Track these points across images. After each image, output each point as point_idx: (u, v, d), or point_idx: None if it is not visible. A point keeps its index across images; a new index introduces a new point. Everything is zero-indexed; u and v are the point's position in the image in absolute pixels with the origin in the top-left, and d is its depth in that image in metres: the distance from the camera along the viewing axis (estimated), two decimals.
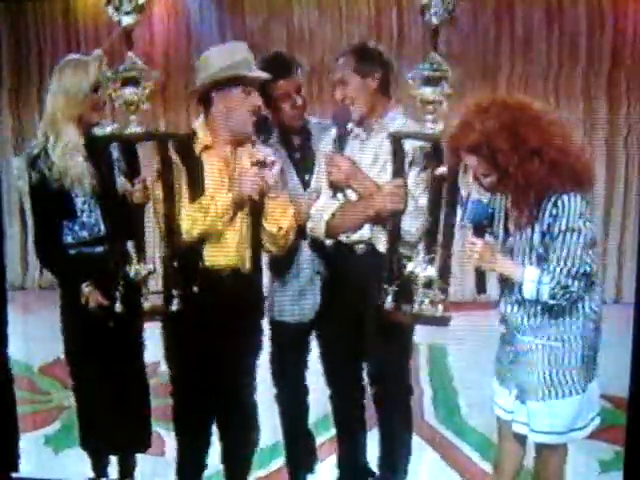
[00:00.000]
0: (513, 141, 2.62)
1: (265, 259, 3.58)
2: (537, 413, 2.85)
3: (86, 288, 3.22)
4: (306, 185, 3.43)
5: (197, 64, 3.20)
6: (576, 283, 2.66)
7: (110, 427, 3.41)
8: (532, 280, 2.69)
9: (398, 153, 3.04)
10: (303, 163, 3.47)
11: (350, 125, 3.22)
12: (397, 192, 3.08)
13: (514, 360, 2.91)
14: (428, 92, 2.86)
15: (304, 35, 6.82)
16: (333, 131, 3.30)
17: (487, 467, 3.82)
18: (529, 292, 2.71)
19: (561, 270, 2.65)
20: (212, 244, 3.20)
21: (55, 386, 4.91)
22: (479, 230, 2.80)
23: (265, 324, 3.53)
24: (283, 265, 3.50)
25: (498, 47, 6.63)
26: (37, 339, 5.04)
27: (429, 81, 2.86)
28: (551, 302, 2.70)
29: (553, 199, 2.65)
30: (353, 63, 3.19)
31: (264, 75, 3.24)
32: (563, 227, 2.64)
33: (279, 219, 3.22)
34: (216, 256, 3.20)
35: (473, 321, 5.26)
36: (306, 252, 3.46)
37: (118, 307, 3.10)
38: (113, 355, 3.32)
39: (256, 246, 3.28)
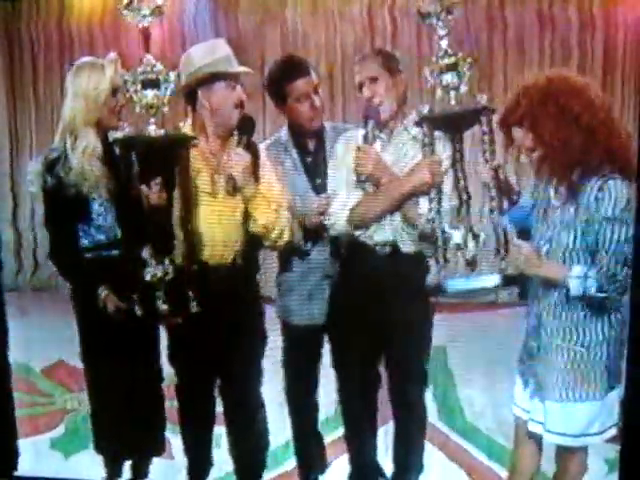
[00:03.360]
0: (556, 110, 2.67)
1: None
2: (553, 413, 2.85)
3: (103, 292, 3.21)
4: (317, 188, 3.44)
5: (180, 64, 3.21)
6: (624, 271, 2.66)
7: (126, 431, 3.41)
8: (578, 277, 2.68)
9: (429, 139, 3.03)
10: (315, 167, 3.47)
11: (374, 126, 3.21)
12: (436, 165, 3.05)
13: (536, 357, 2.92)
14: (449, 78, 2.89)
15: (297, 36, 6.85)
16: (357, 131, 3.29)
17: (495, 467, 3.92)
18: (576, 288, 2.70)
19: (609, 259, 2.66)
20: (203, 241, 3.23)
21: (57, 389, 4.92)
22: (523, 234, 2.82)
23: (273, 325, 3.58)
24: (292, 267, 3.52)
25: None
26: (35, 341, 5.03)
27: (448, 68, 2.89)
28: (599, 295, 2.69)
29: (599, 182, 2.67)
30: (382, 61, 3.21)
31: (246, 70, 3.27)
32: (609, 214, 2.65)
33: (259, 217, 3.24)
34: (207, 253, 3.22)
35: (471, 321, 5.34)
36: (316, 255, 3.47)
37: (138, 310, 3.07)
38: (130, 359, 3.31)
39: (248, 243, 3.30)
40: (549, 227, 2.82)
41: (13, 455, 3.69)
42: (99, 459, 3.59)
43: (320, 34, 6.70)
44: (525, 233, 2.84)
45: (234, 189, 3.21)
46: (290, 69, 3.41)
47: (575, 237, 2.74)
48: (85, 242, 3.27)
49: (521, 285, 2.97)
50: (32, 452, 3.92)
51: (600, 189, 2.66)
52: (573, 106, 2.67)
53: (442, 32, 2.90)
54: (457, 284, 2.93)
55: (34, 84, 7.17)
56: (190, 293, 3.07)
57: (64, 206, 3.23)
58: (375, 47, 3.48)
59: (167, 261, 3.02)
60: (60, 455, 4.17)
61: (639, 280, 2.69)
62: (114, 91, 3.19)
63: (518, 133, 2.78)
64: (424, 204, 3.12)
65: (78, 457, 4.03)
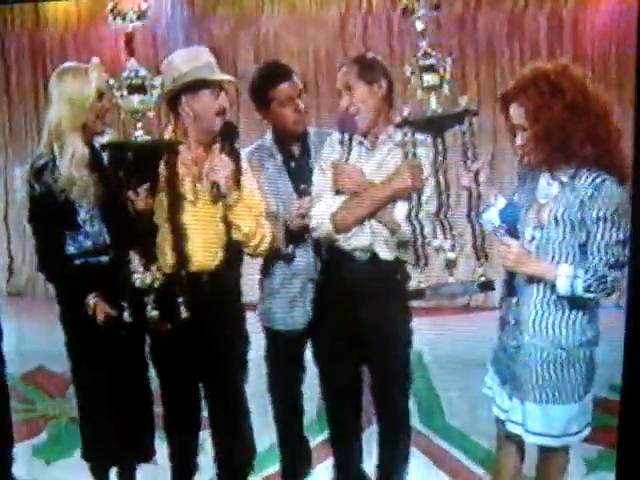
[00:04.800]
0: (547, 87, 2.69)
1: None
2: (533, 414, 2.87)
3: (92, 300, 3.19)
4: (301, 194, 3.43)
5: (163, 69, 3.21)
6: (612, 273, 2.68)
7: (116, 439, 3.40)
8: (567, 276, 2.70)
9: (410, 142, 3.04)
10: (300, 171, 3.48)
11: (355, 135, 3.23)
12: (416, 169, 3.06)
13: (514, 357, 2.92)
14: (429, 79, 2.89)
15: (271, 42, 6.85)
16: (336, 138, 3.32)
17: (476, 469, 3.95)
18: (564, 288, 2.71)
19: (599, 260, 2.68)
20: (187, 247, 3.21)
21: (38, 394, 4.86)
22: (513, 232, 2.83)
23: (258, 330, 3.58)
24: (275, 272, 3.53)
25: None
26: (14, 346, 5.00)
27: (428, 69, 2.89)
28: (587, 296, 2.71)
29: (594, 182, 2.68)
30: (357, 70, 3.20)
31: (229, 78, 3.29)
32: (603, 214, 2.66)
33: (241, 225, 3.25)
34: (189, 260, 3.21)
35: (445, 324, 5.36)
36: (299, 260, 3.47)
37: (126, 317, 3.05)
38: (119, 365, 3.31)
39: (229, 249, 3.29)
40: (538, 225, 2.83)
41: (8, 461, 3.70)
42: (81, 466, 3.58)
43: (296, 41, 6.71)
44: (515, 231, 2.85)
45: (218, 196, 3.21)
46: (274, 74, 3.43)
47: (565, 235, 2.75)
48: (71, 249, 3.26)
49: (507, 283, 2.96)
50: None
51: (596, 188, 2.68)
52: (564, 86, 2.68)
53: (423, 30, 2.90)
54: (437, 288, 2.94)
55: (7, 91, 7.11)
56: (180, 299, 3.07)
57: (52, 213, 3.22)
58: (355, 54, 3.44)
59: (155, 267, 3.01)
60: (41, 463, 4.14)
61: (638, 281, 2.73)
62: (99, 96, 3.19)
63: (514, 110, 2.79)
64: (403, 209, 3.13)
65: (60, 464, 4.03)
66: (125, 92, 2.86)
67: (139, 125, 2.91)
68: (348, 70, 3.22)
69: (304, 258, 3.47)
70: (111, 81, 2.93)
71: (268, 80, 3.42)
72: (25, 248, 6.88)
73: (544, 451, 3.02)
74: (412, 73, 2.91)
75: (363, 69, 3.21)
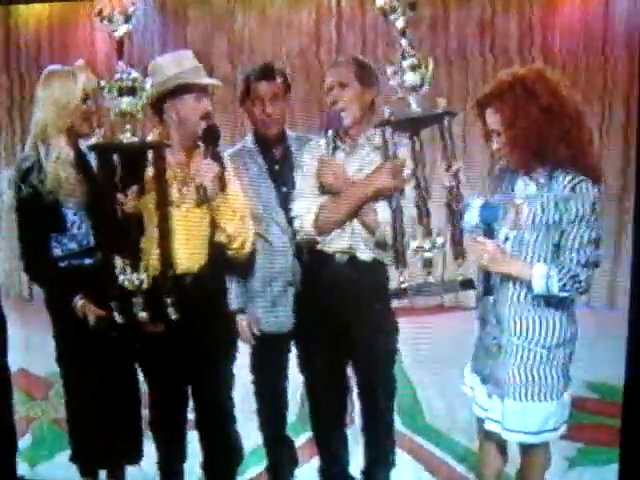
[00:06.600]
0: (523, 92, 2.74)
1: None
2: (512, 411, 2.91)
3: (79, 302, 3.20)
4: (283, 197, 3.46)
5: (148, 73, 3.19)
6: (586, 271, 2.74)
7: (105, 440, 3.40)
8: (542, 275, 2.75)
9: (390, 142, 3.04)
10: (282, 176, 3.50)
11: (336, 138, 3.27)
12: (398, 169, 3.07)
13: (495, 356, 2.96)
14: (411, 78, 2.89)
15: (245, 45, 6.84)
16: (316, 143, 3.35)
17: (460, 467, 3.99)
18: (539, 287, 2.76)
19: (573, 259, 2.74)
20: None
21: (20, 397, 4.79)
22: (489, 231, 2.88)
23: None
24: (255, 274, 3.53)
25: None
26: None
27: (410, 69, 2.88)
28: (562, 294, 2.75)
29: (570, 183, 2.74)
30: (355, 69, 3.22)
31: (214, 82, 3.30)
32: (578, 215, 2.73)
33: (226, 227, 3.26)
34: (175, 261, 3.21)
35: (419, 324, 5.39)
36: (279, 263, 3.49)
37: (117, 318, 3.05)
38: (108, 367, 3.31)
39: (213, 252, 3.31)
40: (514, 225, 2.87)
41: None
42: (67, 466, 3.58)
43: (269, 45, 6.70)
44: (491, 231, 2.90)
45: (204, 199, 3.21)
46: (259, 71, 3.45)
47: (539, 235, 2.81)
48: (57, 251, 3.25)
49: (484, 282, 3.00)
50: None
51: (572, 189, 2.74)
52: (539, 90, 2.73)
53: (404, 28, 2.88)
54: (418, 288, 2.96)
55: None
56: (168, 300, 3.08)
57: (38, 215, 3.21)
58: (351, 54, 3.47)
59: (143, 268, 3.03)
60: (26, 465, 4.11)
61: (638, 280, 2.76)
62: (85, 98, 3.20)
63: (489, 115, 2.84)
64: (385, 209, 3.15)
65: (45, 465, 4.03)
66: (116, 94, 2.88)
67: (127, 127, 2.92)
68: (345, 67, 3.25)
69: (284, 262, 3.49)
70: (102, 83, 2.94)
71: (251, 76, 3.45)
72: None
73: (525, 448, 3.06)
74: (395, 73, 2.91)
75: (360, 69, 3.24)
